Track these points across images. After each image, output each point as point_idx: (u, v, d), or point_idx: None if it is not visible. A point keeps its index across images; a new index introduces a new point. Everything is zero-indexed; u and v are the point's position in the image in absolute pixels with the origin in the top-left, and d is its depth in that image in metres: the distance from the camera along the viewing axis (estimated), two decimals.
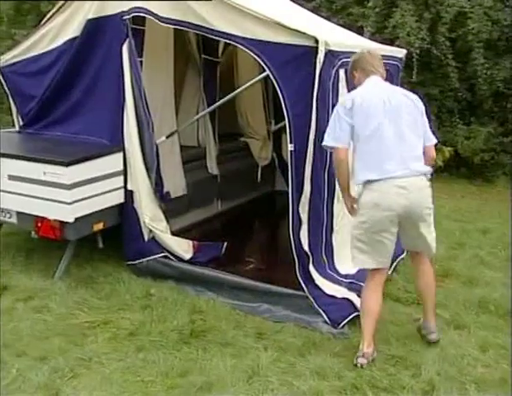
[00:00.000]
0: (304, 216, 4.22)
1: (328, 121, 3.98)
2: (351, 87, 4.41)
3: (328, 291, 4.21)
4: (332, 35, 4.53)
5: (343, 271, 4.51)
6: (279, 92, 4.13)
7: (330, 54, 4.09)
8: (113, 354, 3.72)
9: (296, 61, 4.07)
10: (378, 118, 3.57)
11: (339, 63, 4.26)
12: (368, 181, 3.56)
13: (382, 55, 5.31)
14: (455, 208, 7.29)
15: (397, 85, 5.91)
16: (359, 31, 8.05)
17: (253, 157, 6.72)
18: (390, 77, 5.73)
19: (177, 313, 4.23)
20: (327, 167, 4.31)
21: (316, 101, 4.05)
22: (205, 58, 5.77)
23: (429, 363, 3.61)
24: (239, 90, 4.60)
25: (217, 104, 4.99)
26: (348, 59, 4.39)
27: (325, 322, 4.08)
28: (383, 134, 3.56)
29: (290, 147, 4.16)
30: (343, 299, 4.20)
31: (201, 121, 5.84)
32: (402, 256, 4.97)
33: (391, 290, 4.56)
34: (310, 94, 4.07)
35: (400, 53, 5.98)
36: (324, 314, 4.10)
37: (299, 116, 4.12)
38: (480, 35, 8.29)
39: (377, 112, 3.59)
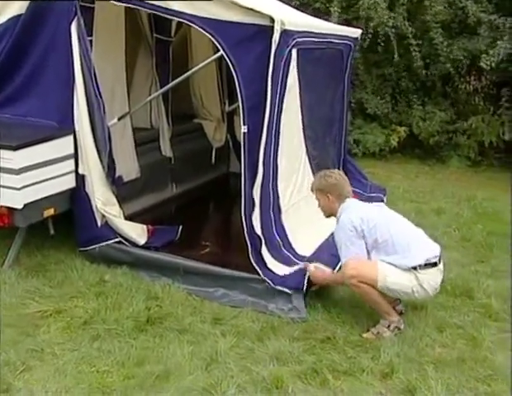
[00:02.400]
0: (257, 199, 4.18)
1: (280, 101, 3.99)
2: (303, 74, 4.38)
3: (280, 273, 4.19)
4: (286, 15, 4.46)
5: (300, 252, 4.49)
6: (233, 72, 4.07)
7: (285, 34, 4.05)
8: (67, 344, 3.61)
9: (250, 40, 4.01)
10: None
11: (293, 42, 4.23)
12: None
13: (335, 35, 5.35)
14: (409, 188, 7.36)
15: (348, 64, 5.97)
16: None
17: (207, 138, 6.61)
18: (340, 56, 5.75)
19: (132, 299, 4.12)
20: (277, 149, 4.27)
21: (271, 81, 3.99)
22: (157, 37, 5.61)
23: (388, 345, 3.63)
24: (192, 70, 4.49)
25: (170, 85, 4.86)
26: (303, 39, 4.34)
27: (282, 308, 4.04)
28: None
29: (243, 128, 4.11)
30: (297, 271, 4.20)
31: (153, 102, 5.69)
32: None
33: None
34: (264, 74, 4.02)
35: (355, 33, 5.97)
36: (283, 289, 4.05)
37: (252, 97, 4.08)
38: (437, 16, 8.34)
39: None
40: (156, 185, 5.73)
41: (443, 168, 8.56)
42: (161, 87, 5.61)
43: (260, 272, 4.15)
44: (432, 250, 3.81)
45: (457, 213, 6.39)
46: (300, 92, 4.70)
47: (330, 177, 4.00)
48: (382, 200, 6.17)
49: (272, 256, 4.23)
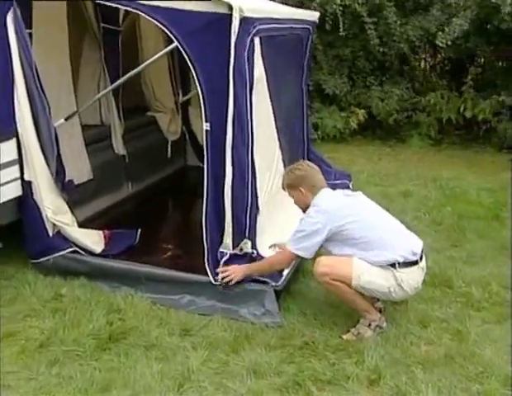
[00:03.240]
0: (228, 203, 3.89)
1: (246, 96, 3.75)
2: (267, 58, 4.12)
3: None
4: (245, 1, 4.14)
5: (262, 253, 4.23)
6: (191, 66, 3.73)
7: (245, 22, 3.73)
8: (22, 372, 3.26)
9: (207, 30, 3.68)
10: None
11: (254, 30, 3.91)
12: None
13: (295, 20, 5.07)
14: (374, 172, 7.18)
15: (307, 49, 5.70)
16: None
17: (161, 132, 6.27)
18: (299, 42, 5.48)
19: (92, 314, 3.80)
20: (249, 147, 3.98)
21: (233, 74, 3.69)
22: (104, 27, 5.20)
23: (371, 347, 3.41)
24: (145, 63, 4.10)
25: (121, 80, 4.46)
26: (264, 26, 4.05)
27: (254, 312, 3.79)
28: None
29: (205, 126, 3.80)
30: None
31: (103, 97, 5.31)
32: None
33: None
34: (225, 67, 3.71)
35: (313, 16, 5.71)
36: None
37: (214, 92, 3.76)
38: None
39: None
40: (110, 186, 5.38)
41: (404, 148, 8.42)
42: (111, 81, 5.25)
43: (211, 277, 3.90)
44: (413, 246, 3.58)
45: (425, 195, 6.24)
46: (268, 83, 4.40)
47: (298, 170, 3.80)
48: (348, 187, 5.97)
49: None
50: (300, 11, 5.53)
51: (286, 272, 4.03)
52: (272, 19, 4.29)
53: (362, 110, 8.58)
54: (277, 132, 4.80)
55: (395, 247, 3.48)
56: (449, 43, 7.47)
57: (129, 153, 5.58)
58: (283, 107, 5.04)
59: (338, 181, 5.97)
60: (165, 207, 5.64)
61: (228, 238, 3.97)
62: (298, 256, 3.68)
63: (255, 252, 4.09)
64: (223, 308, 3.86)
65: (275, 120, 4.70)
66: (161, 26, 3.74)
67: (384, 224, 3.64)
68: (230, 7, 3.54)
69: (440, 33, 7.56)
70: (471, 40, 7.95)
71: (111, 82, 5.26)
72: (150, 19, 3.78)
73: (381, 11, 8.16)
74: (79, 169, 4.88)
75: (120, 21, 5.49)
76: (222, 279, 3.82)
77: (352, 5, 7.96)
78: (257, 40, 3.99)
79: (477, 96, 8.32)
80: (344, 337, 3.57)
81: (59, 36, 4.70)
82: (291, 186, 3.79)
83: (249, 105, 3.97)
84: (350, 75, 8.80)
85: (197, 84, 3.74)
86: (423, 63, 8.87)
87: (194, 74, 3.74)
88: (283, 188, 3.87)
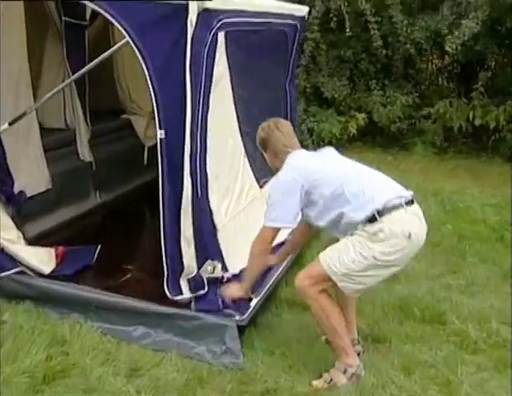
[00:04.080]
0: (187, 220, 3.39)
1: (205, 96, 3.33)
2: (233, 55, 3.63)
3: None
4: None
5: (233, 270, 3.74)
6: (142, 64, 3.23)
7: (207, 14, 3.24)
8: None
9: (162, 23, 3.20)
10: None
11: (218, 24, 3.41)
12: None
13: (276, 14, 4.55)
14: None
15: (294, 46, 5.18)
16: None
17: (137, 136, 5.76)
18: (283, 39, 4.95)
19: (32, 346, 3.31)
20: (205, 155, 3.49)
21: (190, 74, 3.19)
22: (67, 21, 4.70)
23: None
24: (103, 56, 3.56)
25: (80, 73, 3.88)
26: (233, 20, 3.56)
27: (214, 350, 3.30)
28: None
29: (159, 133, 3.29)
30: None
31: (67, 98, 4.84)
32: None
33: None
34: (182, 66, 3.21)
35: (301, 11, 5.18)
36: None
37: (169, 93, 3.27)
38: None
39: None
40: (74, 195, 4.88)
41: (406, 157, 7.85)
42: (75, 80, 4.76)
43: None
44: (396, 191, 3.04)
45: (424, 210, 5.64)
46: (232, 84, 3.90)
47: (262, 131, 3.33)
48: None
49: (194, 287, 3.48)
50: (285, 4, 5.00)
51: (253, 303, 3.55)
52: (244, 12, 3.79)
53: (363, 115, 8.02)
54: (243, 138, 4.28)
55: (374, 196, 2.94)
56: (459, 47, 6.88)
57: (97, 160, 5.08)
58: (254, 109, 4.52)
59: None
60: (136, 220, 5.11)
61: (191, 261, 3.47)
62: (276, 230, 3.16)
63: (229, 274, 3.61)
64: (179, 344, 3.38)
65: (240, 125, 4.18)
66: (111, 18, 3.25)
67: (361, 174, 3.15)
68: None
69: (449, 37, 6.98)
70: (480, 42, 7.36)
71: (76, 82, 4.78)
72: (99, 10, 3.29)
73: (387, 10, 7.59)
74: (36, 178, 4.40)
75: (88, 15, 4.97)
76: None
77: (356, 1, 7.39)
78: (221, 35, 3.51)
79: (488, 103, 7.74)
80: (314, 383, 3.07)
81: (16, 31, 4.21)
82: (260, 148, 3.38)
83: (206, 107, 3.48)
84: (351, 77, 8.23)
85: (149, 85, 3.24)
86: (430, 66, 8.26)
87: (146, 72, 3.24)
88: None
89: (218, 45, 3.50)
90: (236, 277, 3.73)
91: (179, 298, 3.47)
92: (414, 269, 4.40)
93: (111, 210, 5.15)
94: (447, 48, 7.00)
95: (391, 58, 8.06)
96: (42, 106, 4.34)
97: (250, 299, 3.60)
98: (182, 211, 3.36)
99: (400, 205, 2.94)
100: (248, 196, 4.43)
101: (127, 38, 3.22)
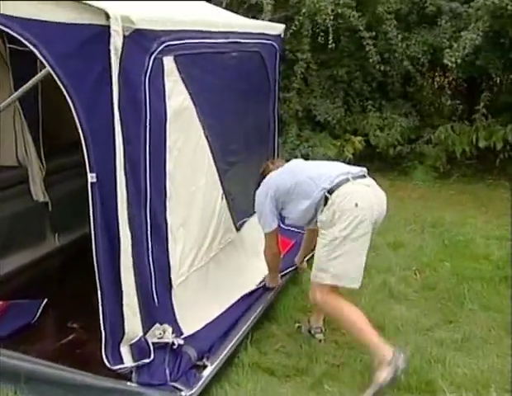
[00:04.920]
0: (128, 279, 2.90)
1: (146, 133, 2.89)
2: (197, 82, 3.18)
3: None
4: (153, 8, 3.17)
5: (187, 332, 3.26)
6: (68, 98, 2.75)
7: (140, 36, 2.79)
8: None
9: (86, 48, 2.71)
10: None
11: (161, 47, 2.94)
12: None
13: (245, 33, 4.09)
14: None
15: (274, 67, 4.70)
16: None
17: None
18: (259, 60, 4.45)
19: None
20: (147, 202, 2.99)
21: (119, 107, 2.70)
22: (12, 48, 4.23)
23: None
24: (26, 86, 3.07)
25: (4, 103, 3.40)
26: (183, 42, 3.11)
27: None
28: None
29: (90, 177, 2.80)
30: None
31: (18, 133, 4.38)
32: None
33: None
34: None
35: (276, 29, 4.69)
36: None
37: (100, 132, 2.78)
38: (390, 5, 7.09)
39: None
40: (26, 239, 4.39)
41: (405, 182, 7.28)
42: (25, 112, 4.32)
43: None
44: (344, 170, 3.35)
45: (420, 246, 5.12)
46: (199, 115, 3.41)
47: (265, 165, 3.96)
48: None
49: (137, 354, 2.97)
50: (256, 23, 4.53)
51: (207, 372, 3.05)
52: (197, 32, 3.30)
53: (359, 138, 7.49)
54: (221, 176, 3.80)
55: (322, 179, 3.27)
56: (458, 61, 6.33)
57: (54, 200, 4.59)
58: (233, 143, 4.05)
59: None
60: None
61: (134, 325, 2.97)
62: (274, 234, 3.66)
63: (180, 340, 3.10)
64: None
65: (216, 163, 3.69)
66: (30, 45, 2.78)
67: (312, 166, 3.66)
68: (108, 16, 2.55)
69: (448, 50, 6.44)
70: (481, 56, 6.81)
71: (25, 113, 4.33)
72: (17, 36, 2.82)
73: (381, 25, 7.09)
74: None
75: None
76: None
77: (346, 14, 6.87)
78: (168, 61, 3.01)
79: (493, 123, 7.18)
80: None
81: None
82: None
83: (159, 145, 3.01)
84: (346, 99, 7.71)
85: (77, 122, 2.77)
86: (430, 84, 7.74)
87: (72, 109, 2.76)
88: None
89: (166, 72, 3.02)
90: (191, 338, 3.25)
91: (119, 367, 2.95)
92: (403, 318, 3.87)
93: (70, 255, 4.63)
94: (445, 61, 6.45)
95: (387, 75, 7.53)
96: None
97: (204, 367, 3.10)
98: (121, 268, 2.87)
99: (347, 180, 3.20)
100: (222, 241, 3.93)
101: (48, 68, 2.75)
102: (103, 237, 2.87)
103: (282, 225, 4.76)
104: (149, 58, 2.86)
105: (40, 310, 3.69)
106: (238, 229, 4.19)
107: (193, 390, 2.89)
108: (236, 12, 7.61)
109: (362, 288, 4.24)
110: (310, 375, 3.24)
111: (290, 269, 4.25)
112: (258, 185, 3.68)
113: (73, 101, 2.75)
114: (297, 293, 4.22)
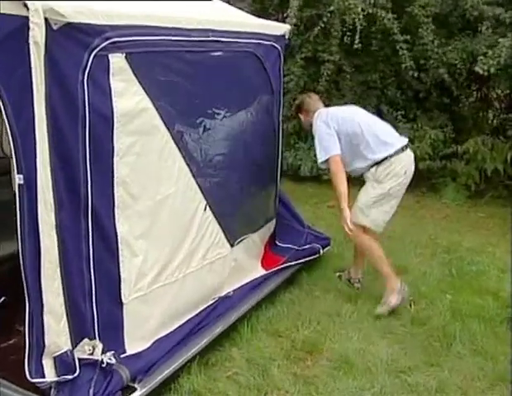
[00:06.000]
0: (50, 287, 2.71)
1: (86, 134, 2.71)
2: (153, 83, 2.96)
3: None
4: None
5: (133, 350, 3.09)
6: None
7: (75, 30, 2.55)
8: None
9: (13, 42, 2.50)
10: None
11: (105, 44, 2.70)
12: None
13: (235, 32, 3.82)
14: None
15: (277, 69, 4.40)
16: None
17: None
18: (256, 62, 4.16)
19: None
20: (88, 208, 2.78)
21: (51, 104, 2.53)
22: None
23: None
24: None
25: None
26: (135, 39, 2.87)
27: None
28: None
29: (18, 179, 2.62)
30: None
31: None
32: None
33: None
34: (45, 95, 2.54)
35: (279, 29, 4.38)
36: None
37: (28, 131, 2.57)
38: (428, 8, 6.62)
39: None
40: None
41: (433, 200, 6.80)
42: None
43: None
44: (399, 139, 4.16)
45: (425, 273, 4.71)
46: (165, 119, 3.16)
47: (297, 99, 4.75)
48: (317, 253, 4.61)
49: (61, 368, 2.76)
50: (253, 22, 4.21)
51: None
52: (159, 28, 3.04)
53: None
54: (202, 185, 3.53)
55: (386, 142, 4.06)
56: (492, 69, 5.81)
57: None
58: (223, 148, 3.78)
59: (306, 246, 4.62)
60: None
61: (57, 337, 2.77)
62: (333, 160, 4.06)
63: (112, 358, 2.88)
64: None
65: (191, 169, 3.43)
66: None
67: (371, 120, 4.26)
68: (27, 7, 2.34)
69: (481, 57, 5.92)
70: None
71: None
72: None
73: (418, 29, 6.62)
74: None
75: None
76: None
77: (379, 16, 6.46)
78: (116, 58, 2.78)
79: None
80: (378, 311, 3.99)
81: None
82: (297, 109, 4.57)
83: (104, 148, 2.81)
84: (378, 105, 7.27)
85: (6, 120, 2.58)
86: (469, 94, 7.18)
87: (2, 108, 2.57)
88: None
89: (113, 71, 2.79)
90: (132, 357, 3.03)
91: (38, 381, 2.76)
92: (378, 355, 3.51)
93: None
94: (477, 69, 5.93)
95: (423, 83, 7.05)
96: None
97: (133, 390, 2.87)
98: (41, 274, 2.67)
99: (402, 149, 4.06)
100: (207, 257, 3.66)
101: None
102: (29, 241, 2.67)
103: (278, 243, 4.60)
104: (89, 54, 2.64)
105: None
106: (232, 245, 3.93)
107: None
108: (267, 9, 7.41)
109: (346, 316, 3.97)
110: None
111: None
112: (295, 113, 4.66)
113: (1, 99, 2.55)
114: (272, 315, 3.94)
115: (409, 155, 4.12)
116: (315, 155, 6.92)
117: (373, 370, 3.38)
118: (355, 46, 6.48)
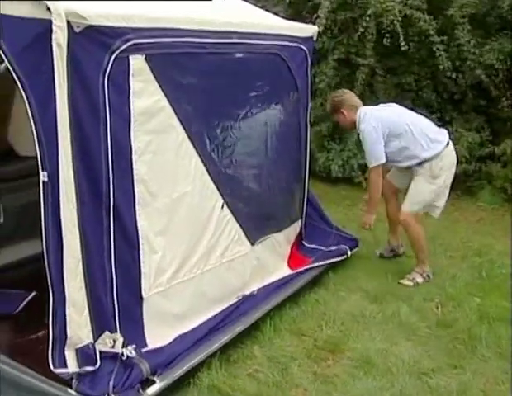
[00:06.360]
0: (73, 281, 2.81)
1: (107, 133, 2.79)
2: (171, 84, 3.03)
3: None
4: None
5: (154, 345, 3.16)
6: (23, 93, 2.68)
7: (97, 33, 2.64)
8: None
9: (40, 44, 2.61)
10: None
11: (126, 46, 2.80)
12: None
13: (262, 34, 3.87)
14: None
15: (304, 71, 4.43)
16: None
17: None
18: (281, 64, 4.19)
19: None
20: (110, 205, 2.87)
21: (73, 104, 2.65)
22: None
23: None
24: None
25: None
26: (155, 41, 2.95)
27: None
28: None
29: (42, 176, 2.72)
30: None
31: None
32: None
33: None
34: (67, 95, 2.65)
35: (306, 31, 4.41)
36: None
37: (52, 130, 2.67)
38: (464, 8, 6.53)
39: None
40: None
41: (468, 203, 6.68)
42: None
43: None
44: (444, 134, 4.54)
45: (453, 276, 4.64)
46: (182, 119, 3.24)
47: (336, 97, 4.68)
48: (344, 254, 4.61)
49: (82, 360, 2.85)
50: (279, 23, 4.24)
51: (154, 389, 2.93)
52: (180, 30, 3.12)
53: None
54: (221, 190, 3.60)
55: (436, 138, 4.42)
56: None
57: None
58: (243, 150, 3.83)
59: (333, 248, 4.63)
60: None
61: (79, 330, 2.87)
62: (376, 168, 4.37)
63: (133, 352, 2.96)
64: None
65: (208, 169, 3.49)
66: None
67: (417, 120, 4.54)
68: (49, 10, 2.45)
69: None
70: None
71: None
72: None
73: (454, 30, 6.54)
74: None
75: None
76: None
77: (415, 17, 6.42)
78: (136, 60, 2.87)
79: None
80: (401, 281, 4.44)
81: None
82: (333, 110, 4.63)
83: (124, 146, 2.91)
84: (413, 108, 7.17)
85: (31, 118, 2.69)
86: (508, 96, 7.03)
87: (27, 104, 2.68)
88: (330, 114, 4.85)
89: (133, 72, 2.88)
90: (153, 351, 3.11)
91: (60, 371, 2.85)
92: (401, 356, 3.49)
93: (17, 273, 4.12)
94: None
95: (459, 85, 6.94)
96: None
97: (152, 383, 2.94)
98: (64, 269, 2.77)
99: (447, 144, 4.40)
100: (227, 255, 3.72)
101: (6, 62, 2.68)
102: (53, 237, 2.77)
103: (305, 244, 4.62)
104: (110, 55, 2.74)
105: (24, 302, 3.69)
106: (253, 244, 3.97)
107: None
108: (301, 12, 7.43)
109: (370, 317, 3.96)
110: None
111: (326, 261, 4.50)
112: (334, 111, 4.66)
113: (27, 98, 2.67)
114: (296, 315, 3.96)
115: (452, 148, 4.47)
116: (347, 156, 7.03)
117: (394, 371, 3.36)
118: (402, 48, 6.45)
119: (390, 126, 4.31)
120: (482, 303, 4.19)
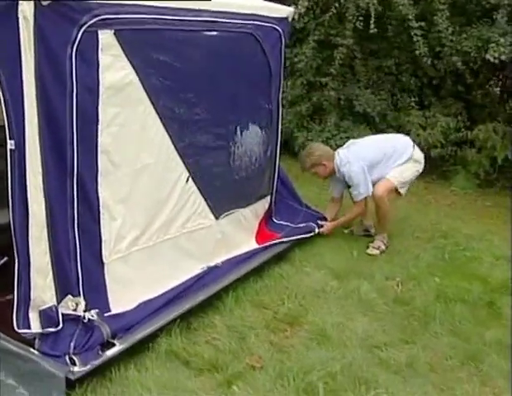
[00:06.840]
0: (37, 248, 2.92)
1: (73, 105, 2.88)
2: (140, 59, 3.11)
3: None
4: None
5: (117, 310, 3.30)
6: None
7: (65, 7, 2.73)
8: None
9: (6, 16, 2.69)
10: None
11: (94, 20, 2.88)
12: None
13: (235, 13, 3.94)
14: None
15: (278, 51, 4.50)
16: None
17: None
18: (253, 43, 4.27)
19: None
20: (74, 174, 2.98)
21: (40, 75, 2.74)
22: None
23: None
24: None
25: None
26: (124, 17, 3.03)
27: None
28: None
29: (10, 144, 2.82)
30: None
31: None
32: None
33: None
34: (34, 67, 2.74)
35: (281, 12, 4.49)
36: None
37: (19, 98, 2.77)
38: None
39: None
40: None
41: (442, 187, 6.84)
42: None
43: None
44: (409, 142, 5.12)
45: (416, 256, 4.80)
46: (150, 93, 3.34)
47: (313, 152, 5.00)
48: (312, 231, 4.75)
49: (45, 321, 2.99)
50: (255, 3, 4.30)
51: (112, 351, 3.06)
52: (149, 7, 3.20)
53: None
54: (185, 161, 3.71)
55: (406, 148, 4.97)
56: (503, 57, 5.81)
57: None
58: (212, 126, 3.93)
59: (301, 225, 4.76)
60: None
61: (42, 292, 3.00)
62: (363, 199, 4.85)
63: (95, 315, 3.09)
64: (11, 388, 2.87)
65: (174, 142, 3.60)
66: None
67: (385, 140, 5.21)
68: None
69: (493, 45, 5.93)
70: None
71: None
72: None
73: (433, 16, 6.63)
74: None
75: None
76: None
77: (395, 1, 6.48)
78: (105, 35, 2.96)
79: None
80: (368, 251, 4.79)
81: None
82: (315, 165, 4.94)
83: (89, 119, 3.01)
84: (392, 92, 7.31)
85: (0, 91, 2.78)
86: (483, 83, 7.15)
87: None
88: (305, 170, 5.03)
89: (102, 46, 2.97)
90: (115, 316, 3.24)
91: (24, 332, 2.98)
92: (355, 331, 3.64)
93: None
94: (488, 56, 5.97)
95: (439, 71, 7.05)
96: None
97: (112, 346, 3.08)
98: (29, 234, 2.88)
99: (414, 146, 5.02)
100: (187, 226, 3.85)
101: None
102: (19, 204, 2.87)
103: (274, 220, 4.75)
104: (78, 30, 2.82)
105: None
106: (217, 217, 4.10)
107: (86, 367, 2.88)
108: None
109: (331, 292, 4.11)
110: (223, 374, 3.12)
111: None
112: (314, 165, 4.93)
113: None
114: (259, 288, 4.09)
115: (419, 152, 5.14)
116: (326, 137, 7.13)
117: (348, 344, 3.50)
118: (371, 31, 6.52)
119: (367, 158, 4.77)
120: (441, 283, 4.34)
